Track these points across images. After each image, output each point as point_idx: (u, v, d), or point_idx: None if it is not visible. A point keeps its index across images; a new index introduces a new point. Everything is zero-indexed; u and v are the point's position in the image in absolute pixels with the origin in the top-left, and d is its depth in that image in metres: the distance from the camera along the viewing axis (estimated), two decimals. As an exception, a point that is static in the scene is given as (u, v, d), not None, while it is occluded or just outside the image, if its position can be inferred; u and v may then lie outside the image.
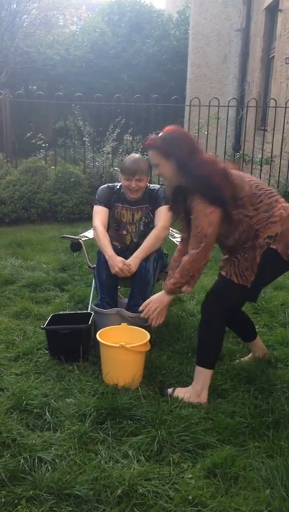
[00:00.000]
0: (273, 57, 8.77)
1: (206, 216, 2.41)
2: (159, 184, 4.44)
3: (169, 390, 2.57)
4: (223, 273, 2.55)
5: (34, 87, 13.19)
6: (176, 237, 3.66)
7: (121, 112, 7.49)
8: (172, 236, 3.68)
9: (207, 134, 7.20)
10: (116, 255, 3.07)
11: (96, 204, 3.35)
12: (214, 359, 2.58)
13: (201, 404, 2.48)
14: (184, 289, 2.59)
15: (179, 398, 2.50)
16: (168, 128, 2.60)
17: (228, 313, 2.60)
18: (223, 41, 11.04)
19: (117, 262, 3.03)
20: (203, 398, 2.51)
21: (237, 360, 2.94)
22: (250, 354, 2.98)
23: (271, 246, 2.44)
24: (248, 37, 10.66)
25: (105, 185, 3.45)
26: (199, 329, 2.60)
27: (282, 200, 2.56)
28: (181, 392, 2.54)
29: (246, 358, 2.97)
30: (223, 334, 2.61)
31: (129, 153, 5.56)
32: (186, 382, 2.65)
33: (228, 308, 2.60)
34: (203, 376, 2.53)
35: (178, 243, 3.43)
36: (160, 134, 2.57)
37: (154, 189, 3.36)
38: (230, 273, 2.51)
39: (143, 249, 3.13)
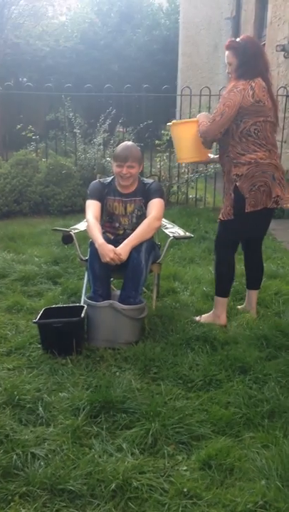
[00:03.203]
0: (264, 45, 8.71)
1: (228, 94, 2.99)
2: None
3: (197, 318, 3.29)
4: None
5: (24, 79, 13.05)
6: (169, 228, 3.63)
7: (112, 102, 7.42)
8: (165, 227, 3.64)
9: (199, 124, 7.14)
10: (106, 243, 3.04)
11: (88, 199, 3.33)
12: (227, 289, 3.30)
13: (221, 325, 3.19)
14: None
15: (205, 322, 3.18)
16: (245, 36, 3.22)
17: (229, 249, 3.25)
18: (213, 30, 10.95)
19: (107, 252, 3.00)
20: (222, 320, 3.24)
21: (239, 306, 3.54)
22: (244, 304, 3.52)
23: (236, 183, 3.06)
24: (238, 25, 10.57)
25: (96, 180, 3.43)
26: (213, 267, 3.41)
27: (263, 154, 3.03)
28: (204, 318, 3.28)
29: (241, 306, 3.54)
30: (230, 268, 3.27)
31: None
32: (181, 373, 2.64)
33: (226, 244, 3.24)
34: (220, 304, 3.27)
35: (170, 234, 3.41)
36: (237, 39, 3.12)
37: (147, 183, 3.33)
38: (220, 215, 3.21)
39: (134, 237, 3.09)
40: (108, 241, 3.13)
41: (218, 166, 7.16)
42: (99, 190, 3.32)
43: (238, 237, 3.30)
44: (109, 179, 3.39)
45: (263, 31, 8.87)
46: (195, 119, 3.31)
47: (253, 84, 2.97)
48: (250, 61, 3.02)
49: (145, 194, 3.29)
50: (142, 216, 3.28)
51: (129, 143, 3.38)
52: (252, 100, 2.97)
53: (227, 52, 3.11)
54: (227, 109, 2.99)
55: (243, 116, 3.00)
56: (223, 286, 3.30)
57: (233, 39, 3.13)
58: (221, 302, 3.28)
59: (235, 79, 3.04)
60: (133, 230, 3.24)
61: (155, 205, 3.24)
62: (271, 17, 7.96)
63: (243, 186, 3.06)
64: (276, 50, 7.51)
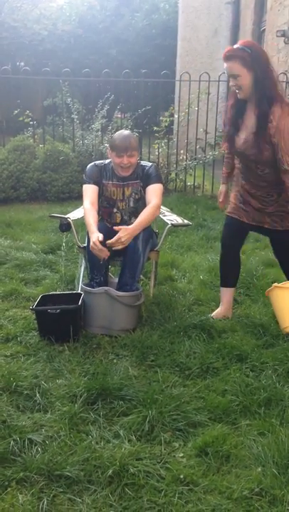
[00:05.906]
0: (264, 30, 8.61)
1: None
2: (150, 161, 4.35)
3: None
4: (281, 228, 2.97)
5: (22, 64, 12.89)
6: (167, 215, 3.61)
7: (110, 88, 7.33)
8: (163, 215, 3.62)
9: (198, 110, 7.08)
10: (99, 244, 2.91)
11: (85, 183, 3.30)
12: None
13: None
14: None
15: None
16: (247, 41, 2.79)
17: None
18: (213, 14, 10.79)
19: (102, 254, 2.95)
20: None
21: (210, 314, 3.17)
22: (219, 307, 3.21)
23: None
24: (238, 10, 10.43)
25: (92, 163, 3.39)
26: None
27: None
28: None
29: (214, 313, 3.18)
30: None
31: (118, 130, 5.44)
32: (178, 361, 2.64)
33: None
34: None
35: (168, 221, 3.39)
36: (241, 46, 2.70)
37: (145, 166, 3.30)
38: (286, 225, 2.95)
39: (139, 227, 3.03)
40: (106, 229, 3.10)
41: (216, 153, 7.15)
42: (96, 174, 3.28)
43: None
44: (106, 162, 3.36)
45: (263, 16, 8.76)
46: None
47: None
48: (270, 71, 2.74)
49: (143, 177, 3.26)
50: (139, 200, 3.26)
51: (127, 132, 3.33)
52: None
53: (229, 64, 2.71)
54: None
55: None
56: None
57: (232, 47, 2.74)
58: None
59: (276, 102, 2.70)
60: (130, 214, 3.24)
61: (155, 192, 3.20)
62: (271, 2, 7.85)
63: None
64: (276, 36, 7.41)
